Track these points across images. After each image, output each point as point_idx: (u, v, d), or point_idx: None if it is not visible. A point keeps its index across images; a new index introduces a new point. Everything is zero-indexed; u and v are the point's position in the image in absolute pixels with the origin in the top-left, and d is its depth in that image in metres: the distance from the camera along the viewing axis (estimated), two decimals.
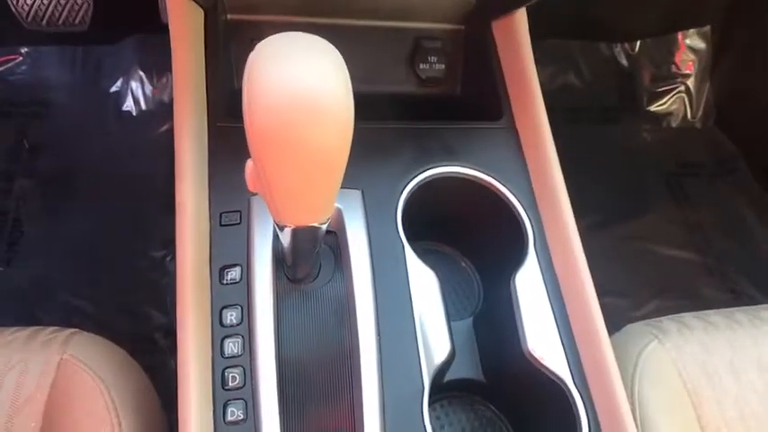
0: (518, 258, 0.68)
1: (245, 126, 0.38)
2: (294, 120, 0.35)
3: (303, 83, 0.35)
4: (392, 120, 0.74)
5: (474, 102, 0.86)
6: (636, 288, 1.42)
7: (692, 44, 1.77)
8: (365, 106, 0.85)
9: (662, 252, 1.53)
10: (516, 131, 0.75)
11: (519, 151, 0.73)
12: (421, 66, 0.87)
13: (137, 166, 1.41)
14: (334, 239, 0.65)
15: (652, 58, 1.76)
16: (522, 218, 0.69)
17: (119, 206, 1.36)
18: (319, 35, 0.37)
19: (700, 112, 1.78)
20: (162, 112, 1.47)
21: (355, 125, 0.39)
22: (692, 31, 1.75)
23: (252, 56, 0.37)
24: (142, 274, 1.27)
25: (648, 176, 1.68)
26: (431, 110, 0.88)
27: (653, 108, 1.77)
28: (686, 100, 1.78)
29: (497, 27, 0.83)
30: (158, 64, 1.47)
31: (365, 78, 0.84)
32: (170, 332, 1.21)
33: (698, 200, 1.64)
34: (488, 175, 0.71)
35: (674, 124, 1.78)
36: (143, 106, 1.49)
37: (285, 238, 0.50)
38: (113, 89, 1.49)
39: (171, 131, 0.67)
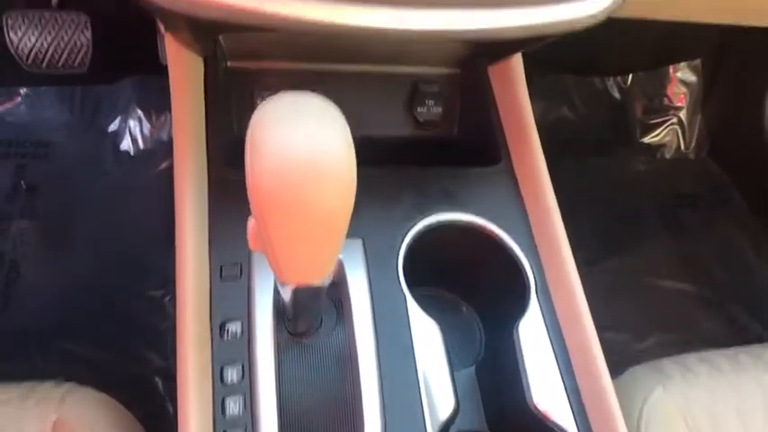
0: (520, 306, 0.67)
1: (247, 186, 0.38)
2: (298, 183, 0.36)
3: (307, 147, 0.35)
4: (391, 163, 0.74)
5: (471, 143, 0.87)
6: (635, 322, 1.42)
7: (683, 77, 1.80)
8: (364, 150, 0.86)
9: (660, 284, 1.53)
10: (515, 175, 0.76)
11: (518, 195, 0.74)
12: (419, 109, 0.88)
13: (134, 205, 1.41)
14: (336, 291, 0.64)
15: (644, 91, 1.79)
16: (523, 265, 0.70)
17: (117, 246, 1.36)
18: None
19: (693, 144, 1.80)
20: (160, 150, 1.48)
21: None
22: (683, 64, 1.78)
23: (255, 117, 0.37)
24: (141, 315, 1.26)
25: (644, 208, 1.69)
26: (428, 152, 0.89)
27: (646, 140, 1.79)
28: (679, 132, 1.80)
29: (494, 71, 0.85)
30: (157, 103, 1.49)
31: (364, 122, 0.84)
32: (170, 376, 1.20)
33: (694, 231, 1.65)
34: (489, 222, 0.71)
35: (667, 156, 1.79)
36: (141, 145, 1.49)
37: (286, 294, 0.50)
38: (111, 128, 1.50)
39: (169, 170, 0.68)
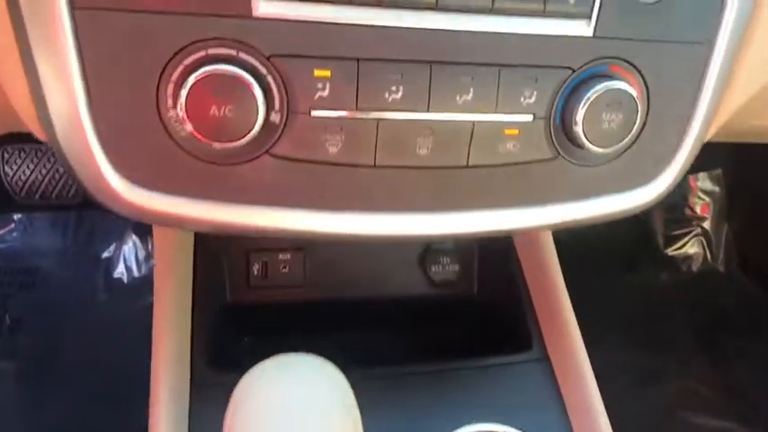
0: None
1: None
2: None
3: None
4: (409, 356, 0.66)
5: (493, 306, 0.78)
6: None
7: (703, 186, 1.73)
8: (374, 314, 0.76)
9: (697, 421, 1.37)
10: (550, 365, 0.65)
11: (556, 393, 0.63)
12: (433, 268, 0.79)
13: (124, 338, 1.30)
14: None
15: (665, 202, 1.71)
16: None
17: (102, 386, 1.25)
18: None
19: (721, 255, 1.71)
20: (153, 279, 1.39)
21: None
22: (702, 174, 1.72)
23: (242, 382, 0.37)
24: None
25: (674, 329, 1.56)
26: (445, 315, 0.79)
27: (671, 252, 1.70)
28: (704, 242, 1.72)
29: None
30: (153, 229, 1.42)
31: (375, 282, 0.77)
32: None
33: (733, 356, 1.51)
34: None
35: (694, 268, 1.70)
36: (135, 273, 1.42)
37: None
38: (105, 255, 1.44)
39: None
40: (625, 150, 0.47)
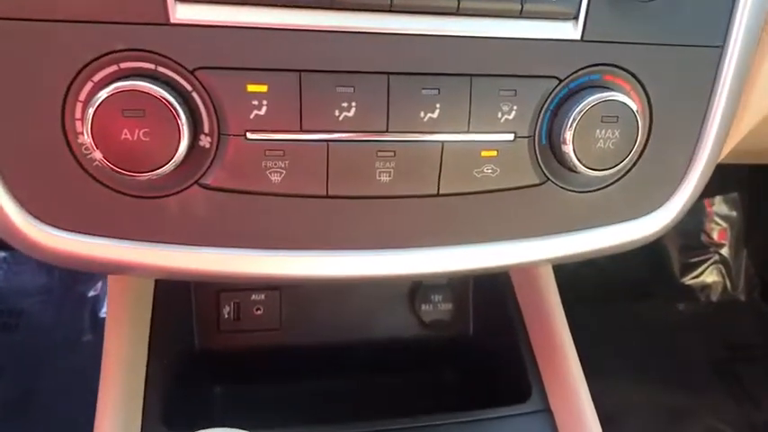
0: None
1: None
2: None
3: None
4: (396, 408, 0.58)
5: (490, 350, 0.70)
6: None
7: (719, 211, 1.66)
8: (358, 360, 0.68)
9: None
10: (552, 417, 0.58)
11: None
12: (423, 307, 0.72)
13: None
14: None
15: (680, 228, 1.63)
16: None
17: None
18: None
19: (741, 284, 1.63)
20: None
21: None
22: (718, 198, 1.64)
23: None
24: None
25: (693, 362, 1.48)
26: (436, 361, 0.72)
27: (687, 280, 1.62)
28: (723, 270, 1.63)
29: None
30: None
31: (359, 324, 0.70)
32: None
33: (758, 391, 1.41)
34: None
35: (713, 298, 1.62)
36: None
37: None
38: (91, 293, 1.38)
39: None
40: (625, 173, 0.40)
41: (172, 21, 0.31)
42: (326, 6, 0.32)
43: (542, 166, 0.38)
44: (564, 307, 0.65)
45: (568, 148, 0.36)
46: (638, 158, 0.40)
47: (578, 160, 0.37)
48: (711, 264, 1.63)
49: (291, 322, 0.69)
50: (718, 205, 1.66)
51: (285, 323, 0.69)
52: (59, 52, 0.31)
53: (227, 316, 0.68)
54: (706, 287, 1.62)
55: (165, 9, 0.31)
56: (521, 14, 0.34)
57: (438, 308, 0.73)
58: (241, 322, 0.68)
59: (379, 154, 0.35)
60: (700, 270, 1.63)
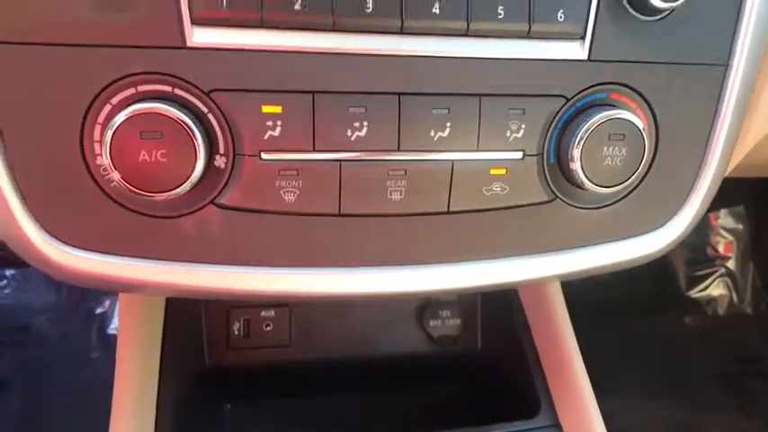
0: None
1: None
2: None
3: None
4: (405, 424, 0.58)
5: (498, 366, 0.70)
6: None
7: (725, 224, 1.65)
8: (368, 375, 0.68)
9: None
10: (560, 429, 0.58)
11: None
12: (431, 323, 0.72)
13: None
14: None
15: (686, 242, 1.62)
16: None
17: None
18: None
19: (748, 297, 1.62)
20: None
21: None
22: (723, 211, 1.64)
23: None
24: None
25: (702, 376, 1.46)
26: (444, 376, 0.72)
27: (694, 294, 1.61)
28: (730, 283, 1.63)
29: None
30: None
31: (368, 340, 0.70)
32: None
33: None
34: None
35: (720, 311, 1.61)
36: None
37: None
38: (99, 310, 1.39)
39: None
40: (632, 190, 0.41)
41: (188, 44, 0.32)
42: (339, 30, 0.33)
43: (550, 184, 0.39)
44: (572, 322, 0.65)
45: (576, 166, 0.37)
46: (644, 175, 0.40)
47: (586, 177, 0.37)
48: (718, 277, 1.63)
49: (301, 338, 0.69)
50: (724, 218, 1.65)
51: (295, 339, 0.69)
52: (78, 75, 0.32)
53: (236, 333, 0.68)
54: (712, 300, 1.62)
55: (182, 33, 0.32)
56: (528, 35, 0.35)
57: (446, 323, 0.73)
58: (251, 339, 0.69)
59: (391, 173, 0.36)
60: (706, 283, 1.63)
